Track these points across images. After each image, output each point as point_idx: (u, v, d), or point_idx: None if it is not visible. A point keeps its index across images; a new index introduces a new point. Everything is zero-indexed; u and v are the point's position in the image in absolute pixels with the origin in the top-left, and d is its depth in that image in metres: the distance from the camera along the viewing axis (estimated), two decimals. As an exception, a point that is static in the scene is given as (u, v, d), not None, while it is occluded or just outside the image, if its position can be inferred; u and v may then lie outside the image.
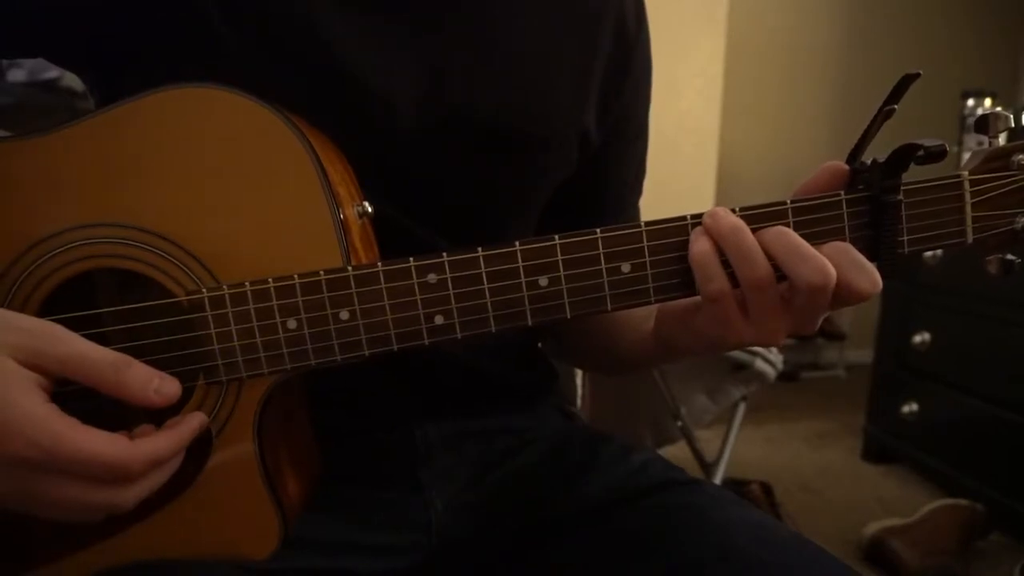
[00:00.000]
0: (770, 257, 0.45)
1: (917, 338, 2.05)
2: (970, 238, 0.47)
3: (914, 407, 2.08)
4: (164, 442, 0.43)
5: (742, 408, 1.67)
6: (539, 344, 0.76)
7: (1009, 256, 0.48)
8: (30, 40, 0.56)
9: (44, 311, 0.48)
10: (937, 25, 3.31)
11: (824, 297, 0.45)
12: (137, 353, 0.46)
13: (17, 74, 1.45)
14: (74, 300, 0.48)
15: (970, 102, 2.42)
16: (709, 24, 2.33)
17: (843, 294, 0.45)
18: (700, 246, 0.46)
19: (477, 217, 0.61)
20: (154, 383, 0.43)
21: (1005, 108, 0.46)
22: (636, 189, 0.74)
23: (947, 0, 3.33)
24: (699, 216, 0.47)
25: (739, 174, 3.05)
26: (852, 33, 3.28)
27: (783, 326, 0.47)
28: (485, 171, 0.60)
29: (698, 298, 0.48)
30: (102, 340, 0.42)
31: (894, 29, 3.28)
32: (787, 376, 3.01)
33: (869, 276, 0.45)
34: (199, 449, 0.49)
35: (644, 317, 0.59)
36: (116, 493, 0.41)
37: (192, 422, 0.45)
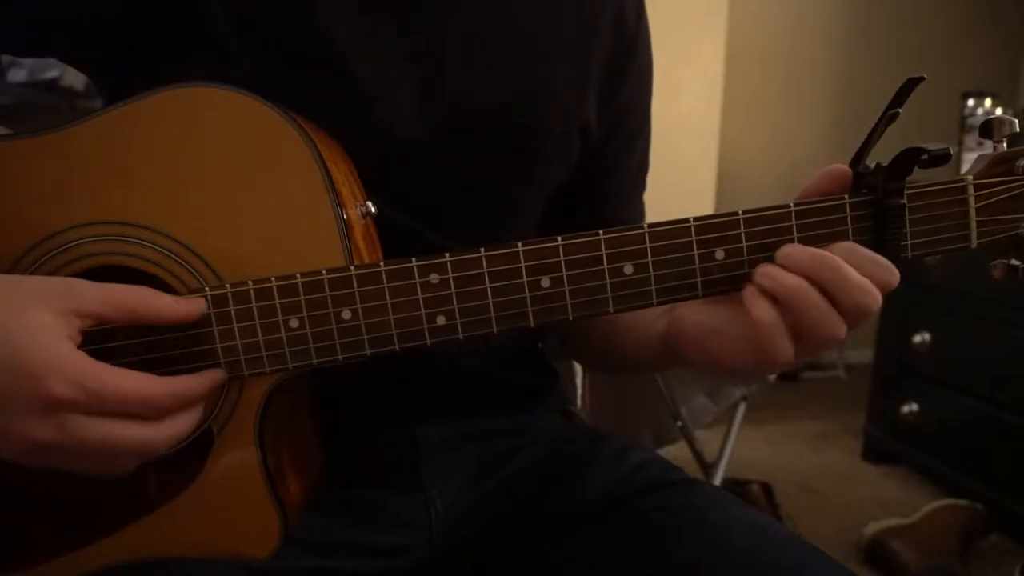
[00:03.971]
0: (821, 291, 0.45)
1: (917, 338, 2.05)
2: (974, 243, 0.47)
3: (914, 407, 2.08)
4: (188, 380, 0.46)
5: (742, 408, 1.67)
6: (539, 344, 0.76)
7: (1014, 261, 0.47)
8: (45, 40, 0.56)
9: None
10: (937, 25, 3.31)
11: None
12: (139, 350, 0.46)
13: (17, 74, 1.44)
14: None
15: (970, 102, 2.41)
16: (710, 25, 2.33)
17: None
18: (762, 313, 0.45)
19: (479, 214, 0.61)
20: (180, 301, 0.46)
21: (1005, 109, 0.46)
22: (639, 184, 0.73)
23: (947, 0, 3.33)
24: (702, 219, 0.46)
25: (739, 174, 3.05)
26: (852, 33, 3.28)
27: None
28: (487, 167, 0.60)
29: (716, 325, 0.48)
30: (104, 337, 0.42)
31: (894, 30, 3.27)
32: (787, 376, 3.00)
33: (888, 268, 0.45)
34: (200, 447, 0.49)
35: (653, 319, 0.59)
36: (148, 431, 0.43)
37: (214, 372, 0.47)
